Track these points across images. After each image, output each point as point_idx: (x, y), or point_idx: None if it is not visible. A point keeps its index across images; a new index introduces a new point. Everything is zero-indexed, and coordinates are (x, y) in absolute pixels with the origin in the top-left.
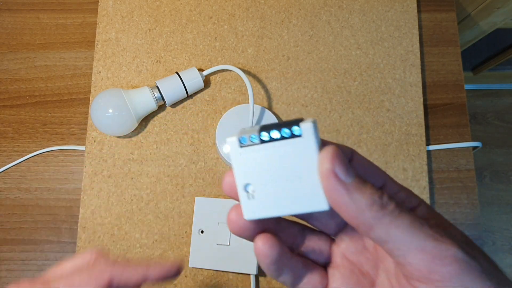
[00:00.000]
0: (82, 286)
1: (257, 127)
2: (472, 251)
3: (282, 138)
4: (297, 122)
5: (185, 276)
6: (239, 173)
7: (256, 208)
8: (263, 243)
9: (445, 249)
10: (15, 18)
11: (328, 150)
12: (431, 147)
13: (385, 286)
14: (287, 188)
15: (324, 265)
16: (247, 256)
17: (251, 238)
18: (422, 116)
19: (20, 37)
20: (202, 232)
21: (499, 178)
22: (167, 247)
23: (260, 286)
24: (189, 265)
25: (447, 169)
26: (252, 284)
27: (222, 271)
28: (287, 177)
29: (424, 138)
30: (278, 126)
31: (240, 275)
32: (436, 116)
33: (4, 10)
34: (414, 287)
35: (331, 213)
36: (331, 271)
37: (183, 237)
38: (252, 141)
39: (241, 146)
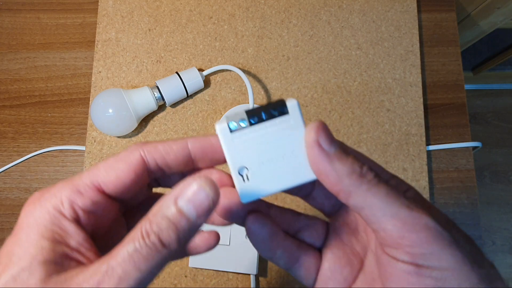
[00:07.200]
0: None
1: (243, 111)
2: (448, 226)
3: (269, 118)
4: (281, 101)
5: (185, 276)
6: (232, 158)
7: (252, 190)
8: (253, 222)
9: (418, 217)
10: (15, 18)
11: (314, 123)
12: (431, 147)
13: (371, 264)
14: (278, 165)
15: (320, 248)
16: (247, 256)
17: (243, 222)
18: (422, 116)
19: (20, 37)
20: None
21: (499, 178)
22: None
23: (260, 286)
24: (189, 265)
25: (447, 169)
26: (252, 284)
27: (222, 271)
28: (278, 155)
29: (424, 138)
30: (264, 107)
31: (240, 275)
32: (436, 116)
33: (4, 10)
34: (387, 254)
35: (326, 193)
36: (324, 251)
37: None
38: (241, 126)
39: (231, 132)
